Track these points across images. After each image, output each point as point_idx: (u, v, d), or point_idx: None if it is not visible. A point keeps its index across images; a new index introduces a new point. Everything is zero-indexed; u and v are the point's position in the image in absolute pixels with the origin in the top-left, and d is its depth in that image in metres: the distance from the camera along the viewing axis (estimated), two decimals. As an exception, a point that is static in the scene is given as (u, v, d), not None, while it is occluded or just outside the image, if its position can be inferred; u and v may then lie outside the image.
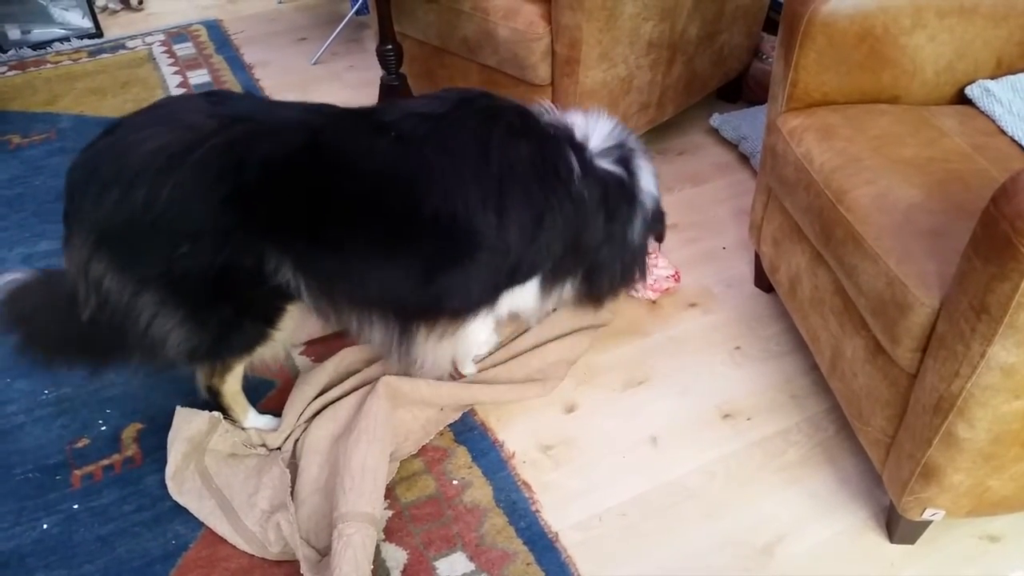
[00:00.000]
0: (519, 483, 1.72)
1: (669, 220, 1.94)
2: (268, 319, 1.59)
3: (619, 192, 1.71)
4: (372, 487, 1.60)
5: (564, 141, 1.63)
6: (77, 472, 1.77)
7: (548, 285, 1.73)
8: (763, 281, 2.18)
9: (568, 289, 1.81)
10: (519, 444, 1.81)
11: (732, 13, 2.55)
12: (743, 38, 2.72)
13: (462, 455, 1.78)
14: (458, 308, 1.61)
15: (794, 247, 1.81)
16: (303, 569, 1.51)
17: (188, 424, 1.74)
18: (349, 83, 3.20)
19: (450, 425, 1.84)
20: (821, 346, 1.73)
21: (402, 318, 1.61)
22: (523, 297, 1.72)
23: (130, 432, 1.86)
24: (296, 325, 1.68)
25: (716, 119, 2.80)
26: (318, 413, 1.81)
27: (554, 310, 1.99)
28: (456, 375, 1.90)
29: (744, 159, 2.70)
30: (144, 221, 1.36)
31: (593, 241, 1.71)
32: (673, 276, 2.18)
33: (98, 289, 1.43)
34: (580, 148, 1.66)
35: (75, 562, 1.60)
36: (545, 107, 1.72)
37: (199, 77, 3.23)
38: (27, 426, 1.88)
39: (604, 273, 1.80)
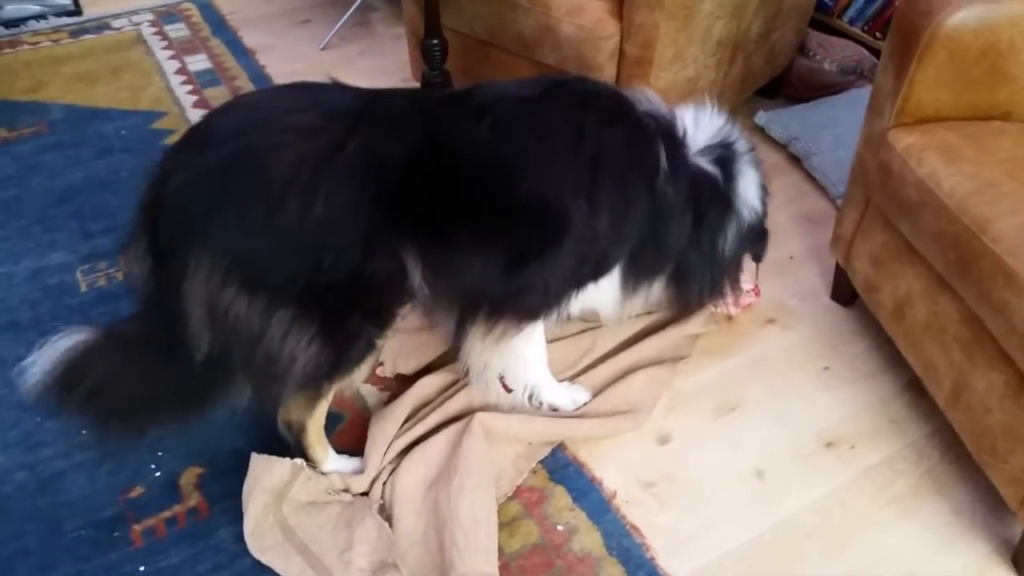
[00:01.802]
0: (628, 527, 1.61)
1: None
2: (383, 326, 1.48)
3: (711, 195, 1.63)
4: (487, 541, 1.47)
5: (657, 133, 1.55)
6: (136, 527, 1.60)
7: (629, 282, 1.65)
8: (841, 295, 2.10)
9: (654, 291, 1.74)
10: (618, 481, 1.70)
11: (787, 10, 2.45)
12: (792, 35, 2.62)
13: (561, 496, 1.66)
14: (535, 304, 1.54)
15: (904, 269, 1.73)
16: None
17: (269, 473, 1.58)
18: (363, 71, 2.99)
19: (542, 462, 1.72)
20: (939, 376, 1.65)
21: (485, 311, 1.53)
22: (603, 293, 1.65)
23: (189, 478, 1.68)
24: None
25: (762, 117, 2.70)
26: (404, 452, 1.67)
27: (636, 315, 1.89)
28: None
29: (795, 160, 2.61)
30: (294, 237, 1.27)
31: (676, 243, 1.63)
32: (754, 290, 2.09)
33: (226, 318, 1.29)
34: (675, 143, 1.58)
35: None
36: (647, 96, 1.62)
37: (198, 63, 2.99)
38: (69, 473, 1.69)
39: (691, 280, 1.73)
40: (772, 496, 1.69)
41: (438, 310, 1.60)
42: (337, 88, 1.45)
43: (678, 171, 1.56)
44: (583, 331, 1.98)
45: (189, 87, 2.84)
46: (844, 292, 2.07)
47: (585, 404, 1.81)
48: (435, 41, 2.26)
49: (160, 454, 1.72)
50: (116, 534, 1.59)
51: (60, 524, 1.60)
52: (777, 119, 2.67)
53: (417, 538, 1.53)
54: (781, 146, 2.66)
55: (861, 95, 2.44)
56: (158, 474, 1.69)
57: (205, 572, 1.52)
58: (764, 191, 1.73)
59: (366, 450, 1.67)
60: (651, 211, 1.55)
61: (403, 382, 1.85)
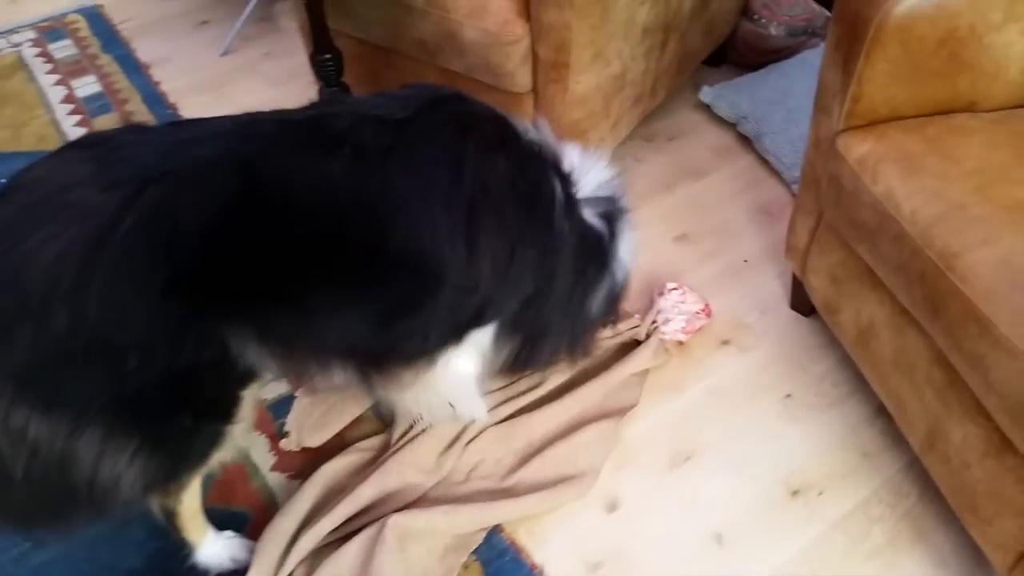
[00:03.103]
0: (573, 623, 1.43)
1: (677, 228, 1.95)
2: (226, 414, 1.28)
3: (594, 250, 1.46)
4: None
5: (548, 163, 1.37)
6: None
7: (505, 335, 1.46)
8: (801, 303, 1.89)
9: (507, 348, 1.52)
10: (561, 566, 1.51)
11: (724, -25, 2.18)
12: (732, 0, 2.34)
13: (497, 595, 1.48)
14: (415, 352, 1.36)
15: (866, 294, 1.51)
16: None
17: None
18: (270, 77, 2.71)
19: (476, 551, 1.52)
20: (910, 417, 1.45)
21: (362, 368, 1.37)
22: (481, 342, 1.45)
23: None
24: (252, 413, 1.38)
25: (707, 93, 2.45)
26: (316, 555, 1.47)
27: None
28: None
29: (745, 140, 2.37)
30: (75, 350, 1.04)
31: (560, 291, 1.44)
32: (703, 311, 1.87)
33: (23, 441, 1.08)
34: (566, 180, 1.39)
35: None
36: (531, 125, 1.41)
37: (87, 87, 2.68)
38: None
39: (549, 336, 1.52)
40: (735, 565, 1.50)
41: (311, 372, 1.38)
42: (135, 133, 1.19)
43: (571, 213, 1.37)
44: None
45: (77, 118, 2.55)
46: (804, 302, 1.86)
47: (480, 429, 1.67)
48: (327, 56, 1.98)
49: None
50: None
51: None
52: (724, 95, 2.41)
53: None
54: (730, 125, 2.41)
55: (813, 57, 2.20)
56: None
57: None
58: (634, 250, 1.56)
59: (257, 548, 1.47)
60: (546, 248, 1.36)
61: (314, 460, 1.64)
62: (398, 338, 1.32)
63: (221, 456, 1.34)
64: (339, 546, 1.46)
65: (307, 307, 1.21)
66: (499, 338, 1.47)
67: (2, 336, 1.03)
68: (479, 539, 1.53)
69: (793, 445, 1.68)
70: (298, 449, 1.68)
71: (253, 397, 1.32)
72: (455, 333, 1.39)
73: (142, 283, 1.06)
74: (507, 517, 1.55)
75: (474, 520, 1.52)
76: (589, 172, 1.44)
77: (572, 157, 1.43)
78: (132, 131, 1.21)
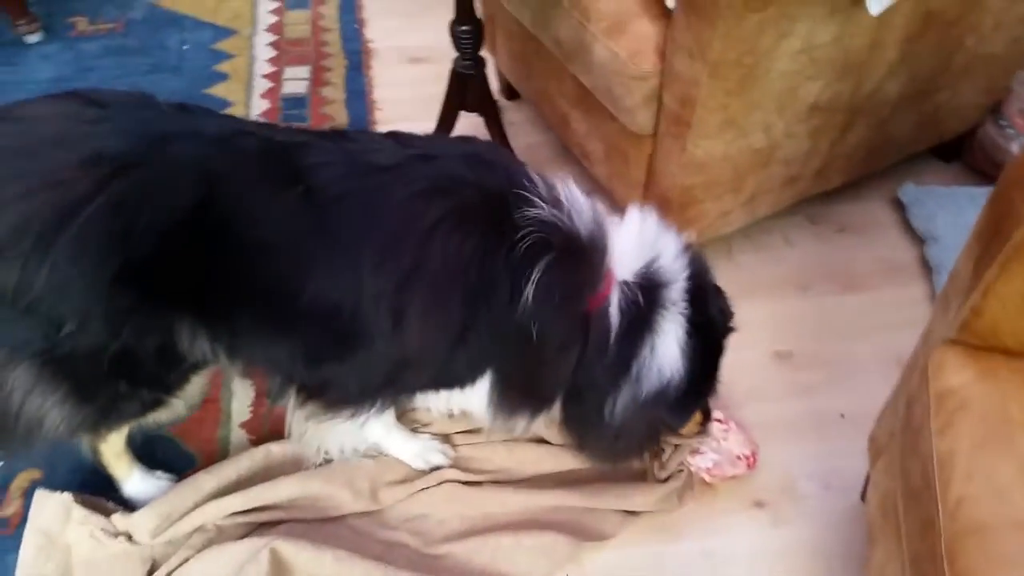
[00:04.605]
0: None
1: (785, 342, 1.71)
2: (167, 390, 1.34)
3: (600, 347, 1.23)
4: None
5: (539, 251, 1.16)
6: (-54, 519, 1.52)
7: (502, 407, 1.33)
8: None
9: (538, 423, 1.40)
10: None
11: (964, 66, 1.71)
12: (976, 95, 1.85)
13: (357, 662, 1.35)
14: (339, 400, 1.33)
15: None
16: None
17: (41, 510, 1.44)
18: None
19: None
20: None
21: (299, 391, 1.37)
22: (473, 402, 1.37)
23: (22, 481, 1.57)
24: (201, 387, 1.54)
25: (908, 192, 1.98)
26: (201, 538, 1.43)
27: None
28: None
29: (925, 268, 1.90)
30: (18, 306, 1.11)
31: (550, 388, 1.31)
32: (746, 459, 1.54)
33: None
34: (573, 266, 1.18)
35: None
36: (570, 195, 1.21)
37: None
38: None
39: (585, 435, 1.40)
40: None
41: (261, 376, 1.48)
42: (124, 110, 1.17)
43: (554, 303, 1.17)
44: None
45: (274, 5, 2.61)
46: (873, 501, 1.47)
47: (438, 469, 1.55)
48: (465, 27, 1.81)
49: (12, 445, 1.62)
50: (-73, 519, 1.52)
51: None
52: (924, 202, 1.94)
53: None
54: (917, 240, 1.94)
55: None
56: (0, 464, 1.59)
57: (-29, 600, 1.42)
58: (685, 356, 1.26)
59: (165, 497, 1.47)
60: (503, 345, 1.22)
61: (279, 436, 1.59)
62: (325, 380, 1.31)
63: (158, 416, 1.40)
64: (223, 543, 1.41)
65: (237, 326, 1.24)
66: (503, 409, 1.34)
67: None
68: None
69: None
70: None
71: (202, 379, 1.38)
72: (384, 394, 1.34)
73: (94, 265, 1.10)
74: (405, 587, 1.40)
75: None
76: (638, 251, 1.23)
77: (622, 238, 1.23)
78: (137, 104, 1.21)
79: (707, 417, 1.49)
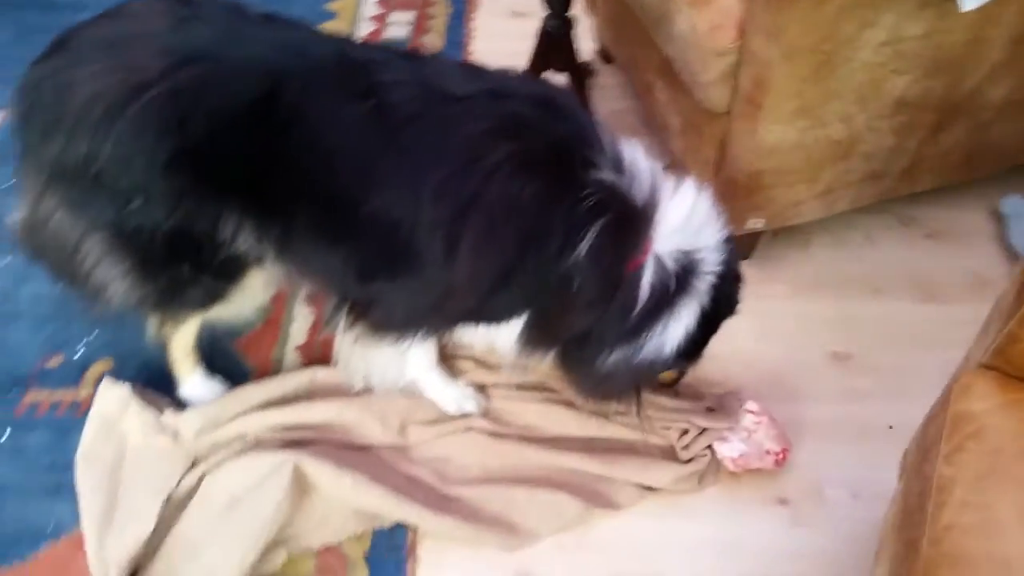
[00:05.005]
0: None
1: (845, 343, 1.67)
2: (230, 277, 1.42)
3: (632, 316, 1.25)
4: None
5: (599, 209, 1.18)
6: (27, 398, 1.68)
7: (528, 344, 1.37)
8: (899, 516, 1.45)
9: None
10: (435, 601, 1.42)
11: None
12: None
13: (360, 583, 1.44)
14: (384, 321, 1.39)
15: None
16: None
17: (103, 398, 1.57)
18: None
19: (374, 531, 1.48)
20: None
21: (345, 306, 1.44)
22: (501, 338, 1.41)
23: (96, 369, 1.72)
24: (264, 299, 1.58)
25: (1009, 204, 1.86)
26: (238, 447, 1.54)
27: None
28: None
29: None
30: (89, 173, 1.22)
31: (573, 329, 1.32)
32: (775, 455, 1.51)
33: (48, 223, 1.32)
34: (625, 230, 1.20)
35: (-35, 501, 1.54)
36: (633, 159, 1.23)
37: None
38: (22, 318, 1.81)
39: (574, 361, 1.40)
40: None
41: (306, 285, 1.54)
42: (222, 13, 1.26)
43: (600, 264, 1.20)
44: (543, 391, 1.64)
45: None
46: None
47: (470, 415, 1.61)
48: (557, -16, 1.80)
49: (95, 334, 1.78)
50: (11, 394, 1.68)
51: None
52: (1024, 217, 1.81)
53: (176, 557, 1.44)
54: (1012, 257, 1.82)
55: None
56: (79, 353, 1.75)
57: (41, 468, 1.57)
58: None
59: (217, 402, 1.60)
60: (542, 291, 1.26)
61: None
62: (373, 297, 1.36)
63: (222, 311, 1.50)
64: (258, 452, 1.51)
65: (291, 226, 1.29)
66: (528, 346, 1.38)
67: (42, 137, 1.25)
68: (390, 521, 1.48)
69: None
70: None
71: (265, 274, 1.43)
72: (427, 323, 1.38)
73: (152, 144, 1.20)
74: (420, 524, 1.46)
75: (381, 505, 1.46)
76: (680, 218, 1.23)
77: (672, 206, 1.23)
78: (225, 8, 1.29)
79: (680, 377, 1.55)
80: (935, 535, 0.91)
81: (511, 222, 1.20)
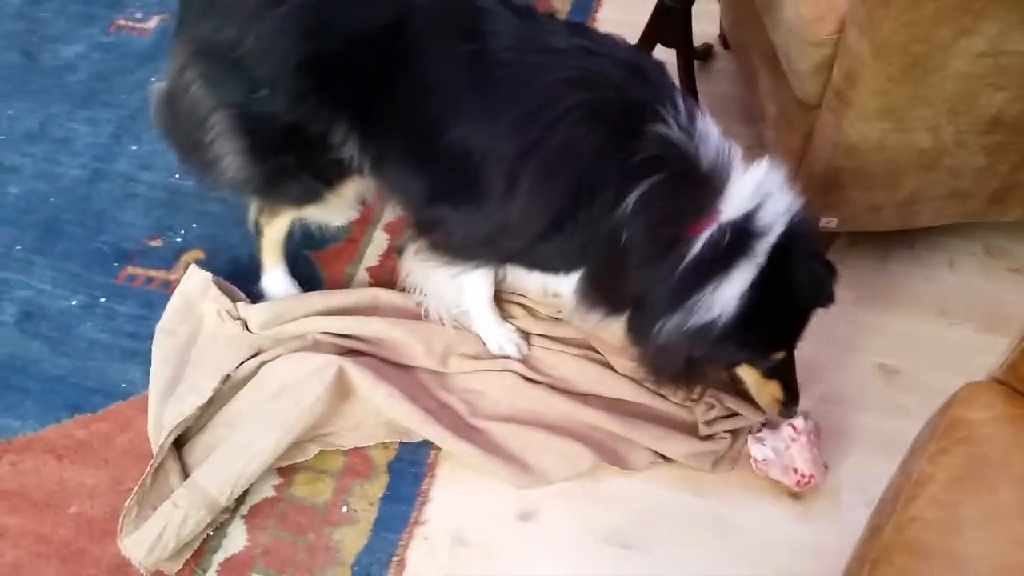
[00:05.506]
0: (394, 559, 1.45)
1: (896, 356, 1.68)
2: (328, 180, 1.55)
3: (680, 273, 1.25)
4: (236, 474, 1.47)
5: (653, 165, 1.22)
6: (128, 269, 1.87)
7: (585, 299, 1.42)
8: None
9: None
10: (441, 515, 1.51)
11: None
12: None
13: (378, 487, 1.54)
14: (443, 243, 1.49)
15: None
16: (135, 491, 1.46)
17: (188, 280, 1.73)
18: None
19: (402, 443, 1.59)
20: None
21: (416, 224, 1.55)
22: (561, 285, 1.50)
23: (190, 256, 1.89)
24: (356, 200, 1.73)
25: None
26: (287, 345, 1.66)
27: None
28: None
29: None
30: (231, 56, 1.37)
31: (630, 290, 1.35)
32: (801, 477, 1.48)
33: (186, 92, 1.47)
34: (682, 187, 1.24)
35: (59, 349, 1.74)
36: (705, 126, 1.26)
37: None
38: (138, 199, 2.00)
39: (636, 332, 1.41)
40: None
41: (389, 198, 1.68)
42: None
43: (649, 220, 1.24)
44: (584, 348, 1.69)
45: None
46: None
47: (509, 357, 1.68)
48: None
49: (196, 225, 1.95)
50: (115, 264, 1.89)
51: (99, 233, 1.94)
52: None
53: (230, 428, 1.57)
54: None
55: None
56: (179, 239, 1.93)
57: (127, 333, 1.77)
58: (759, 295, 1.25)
59: (282, 301, 1.74)
60: (594, 244, 1.32)
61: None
62: (437, 218, 1.46)
63: (314, 212, 1.66)
64: (302, 352, 1.63)
65: (386, 148, 1.44)
66: (586, 300, 1.43)
67: (199, 15, 1.42)
68: (417, 437, 1.58)
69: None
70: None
71: (359, 185, 1.58)
72: (482, 253, 1.47)
73: (289, 45, 1.34)
74: (442, 445, 1.56)
75: (409, 421, 1.56)
76: (751, 195, 1.23)
77: (745, 179, 1.24)
78: None
79: (792, 399, 1.44)
80: (900, 523, 0.92)
81: (568, 167, 1.25)
